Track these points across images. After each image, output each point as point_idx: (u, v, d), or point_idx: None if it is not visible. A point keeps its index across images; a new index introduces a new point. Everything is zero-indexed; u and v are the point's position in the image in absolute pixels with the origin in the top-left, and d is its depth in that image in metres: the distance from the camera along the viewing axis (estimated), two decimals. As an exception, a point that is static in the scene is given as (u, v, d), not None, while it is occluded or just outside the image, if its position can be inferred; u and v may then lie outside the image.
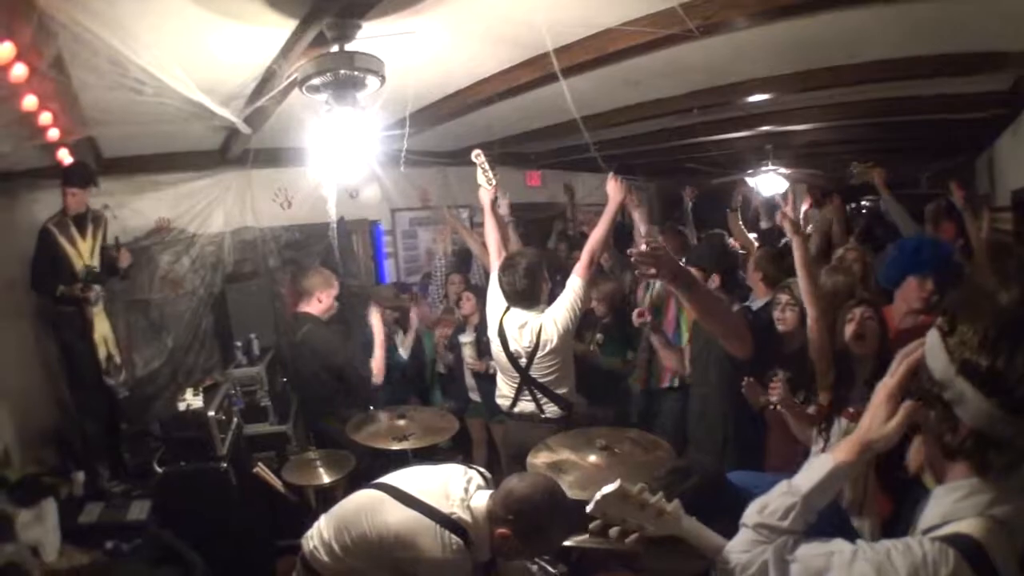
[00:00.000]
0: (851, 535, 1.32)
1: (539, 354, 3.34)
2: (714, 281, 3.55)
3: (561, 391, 3.40)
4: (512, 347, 3.40)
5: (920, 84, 4.41)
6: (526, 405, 3.43)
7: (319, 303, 4.09)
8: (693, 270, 3.15)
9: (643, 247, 2.33)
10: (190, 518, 3.28)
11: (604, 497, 1.49)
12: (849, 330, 2.54)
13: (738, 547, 1.36)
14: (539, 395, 3.39)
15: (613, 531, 1.51)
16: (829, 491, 1.34)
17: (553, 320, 3.32)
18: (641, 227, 4.19)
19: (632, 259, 2.31)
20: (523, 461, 2.77)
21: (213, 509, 3.33)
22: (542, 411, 3.39)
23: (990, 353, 1.09)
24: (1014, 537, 1.13)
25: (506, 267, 3.41)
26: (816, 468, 1.35)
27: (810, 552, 1.27)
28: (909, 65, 3.76)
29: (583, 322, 3.80)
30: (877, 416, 1.28)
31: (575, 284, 3.36)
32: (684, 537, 1.53)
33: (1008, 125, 5.45)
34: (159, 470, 3.37)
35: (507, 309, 3.45)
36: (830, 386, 2.63)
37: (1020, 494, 1.15)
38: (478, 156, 3.56)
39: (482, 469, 2.33)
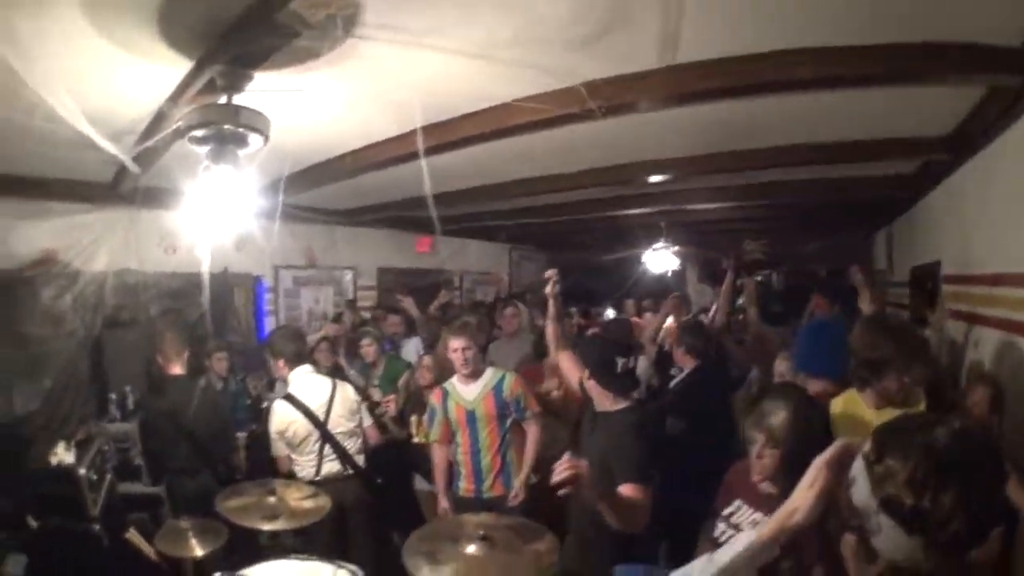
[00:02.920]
0: None
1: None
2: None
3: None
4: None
5: (824, 167, 4.41)
6: (332, 465, 3.64)
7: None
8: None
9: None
10: (63, 578, 3.12)
11: None
12: None
13: None
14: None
15: None
16: (747, 569, 1.27)
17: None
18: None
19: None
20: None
21: (85, 572, 3.17)
22: (347, 468, 3.65)
23: (917, 492, 1.03)
24: None
25: None
26: (737, 542, 1.29)
27: None
28: (814, 151, 3.77)
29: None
30: (801, 485, 1.23)
31: None
32: None
33: (912, 205, 5.53)
34: (33, 524, 3.19)
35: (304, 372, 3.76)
36: None
37: None
38: None
39: (354, 567, 2.16)
